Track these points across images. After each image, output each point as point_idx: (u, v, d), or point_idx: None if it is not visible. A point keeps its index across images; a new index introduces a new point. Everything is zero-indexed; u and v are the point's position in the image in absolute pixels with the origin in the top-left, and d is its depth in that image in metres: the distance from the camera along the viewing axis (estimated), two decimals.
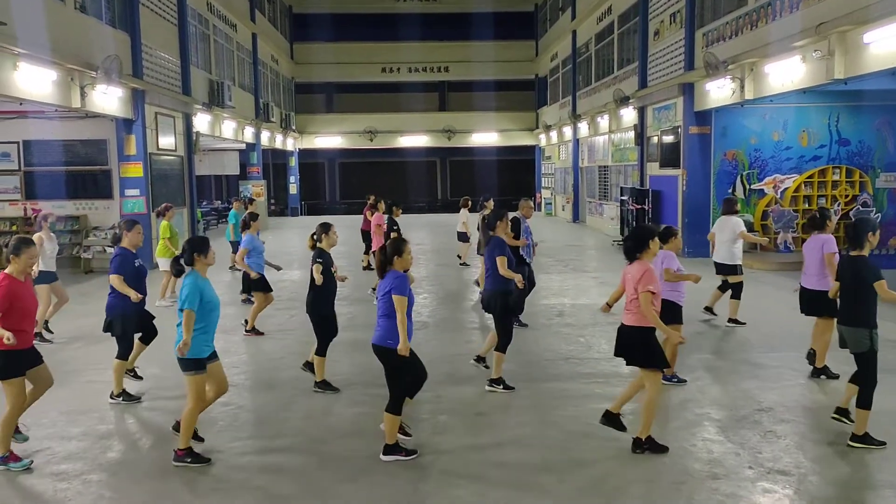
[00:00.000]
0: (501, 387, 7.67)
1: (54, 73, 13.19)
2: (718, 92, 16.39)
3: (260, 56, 30.81)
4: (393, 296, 5.78)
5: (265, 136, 31.33)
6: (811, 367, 8.06)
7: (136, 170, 17.03)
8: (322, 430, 6.65)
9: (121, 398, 7.41)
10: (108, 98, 15.42)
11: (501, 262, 7.68)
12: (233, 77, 26.71)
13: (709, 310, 10.95)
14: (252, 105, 29.43)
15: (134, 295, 7.24)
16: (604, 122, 25.75)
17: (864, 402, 6.01)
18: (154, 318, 7.83)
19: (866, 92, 15.69)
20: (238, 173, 32.47)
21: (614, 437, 6.41)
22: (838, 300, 6.51)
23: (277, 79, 35.54)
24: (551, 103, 36.05)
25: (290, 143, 37.75)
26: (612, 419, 6.25)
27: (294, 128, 37.43)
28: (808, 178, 17.55)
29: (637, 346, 5.96)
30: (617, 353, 6.18)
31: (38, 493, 5.47)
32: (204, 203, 33.33)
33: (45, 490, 5.51)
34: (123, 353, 7.42)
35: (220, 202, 37.31)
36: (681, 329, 7.44)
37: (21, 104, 13.98)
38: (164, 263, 12.36)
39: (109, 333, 7.46)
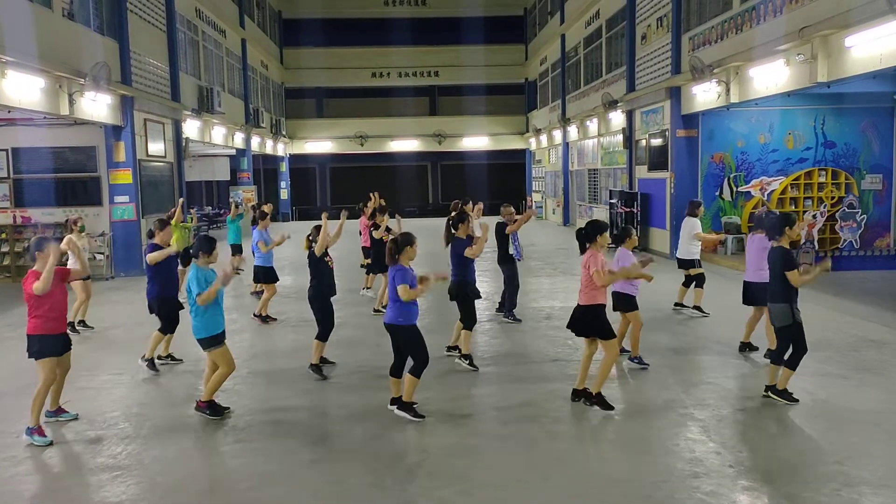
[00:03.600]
0: (468, 362, 8.71)
1: (42, 80, 13.22)
2: (704, 95, 16.54)
3: (249, 62, 30.86)
4: (397, 286, 6.75)
5: (255, 142, 31.37)
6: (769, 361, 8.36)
7: (125, 176, 17.06)
8: (317, 432, 6.72)
9: (147, 364, 8.66)
10: (97, 105, 15.45)
11: (460, 257, 8.78)
12: (222, 83, 26.75)
13: (679, 305, 11.76)
14: (242, 111, 29.47)
15: (173, 249, 8.81)
16: (593, 125, 25.89)
17: (793, 363, 7.07)
18: (182, 307, 8.66)
19: (851, 94, 15.86)
20: (229, 179, 32.46)
21: (599, 438, 6.52)
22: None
23: (267, 84, 35.58)
24: (541, 107, 36.21)
25: (281, 149, 37.78)
26: (578, 394, 7.29)
27: (284, 133, 37.46)
28: (794, 180, 17.69)
29: (591, 322, 7.06)
30: (570, 326, 7.30)
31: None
32: (194, 209, 33.30)
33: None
34: (165, 329, 8.71)
35: (210, 208, 37.28)
36: (638, 314, 8.57)
37: (9, 112, 13.99)
38: None
39: (155, 315, 8.78)
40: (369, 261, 13.71)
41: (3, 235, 16.85)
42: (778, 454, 6.04)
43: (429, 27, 38.86)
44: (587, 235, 7.09)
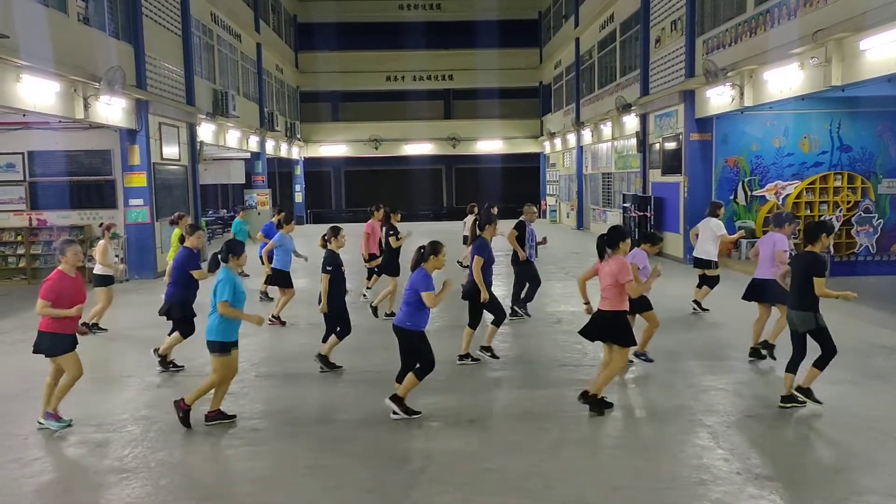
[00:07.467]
0: (490, 354, 9.08)
1: (57, 84, 13.33)
2: (718, 99, 16.42)
3: (264, 65, 31.00)
4: (422, 294, 6.75)
5: (270, 145, 31.48)
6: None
7: (139, 180, 17.18)
8: (320, 436, 6.72)
9: (164, 365, 8.75)
10: (112, 109, 15.57)
11: (477, 263, 8.82)
12: (237, 86, 26.88)
13: (697, 306, 11.88)
14: (257, 114, 29.59)
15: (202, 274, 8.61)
16: (607, 129, 25.81)
17: (821, 364, 6.96)
18: (196, 315, 8.70)
19: (867, 98, 15.70)
20: (243, 182, 32.61)
21: (604, 444, 6.47)
22: (788, 288, 7.41)
23: (282, 88, 35.73)
24: (555, 111, 36.13)
25: (296, 152, 37.92)
26: (591, 400, 7.07)
27: (299, 136, 37.60)
28: (809, 184, 17.54)
29: (612, 327, 6.98)
30: (587, 332, 7.17)
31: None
32: (210, 212, 33.51)
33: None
34: (185, 333, 8.70)
35: (225, 211, 37.48)
36: (654, 314, 8.65)
37: (24, 115, 14.13)
38: None
39: (166, 318, 8.83)
40: (377, 262, 13.46)
41: (19, 238, 17.01)
42: (786, 462, 5.97)
43: (443, 31, 38.91)
44: (609, 241, 7.05)
